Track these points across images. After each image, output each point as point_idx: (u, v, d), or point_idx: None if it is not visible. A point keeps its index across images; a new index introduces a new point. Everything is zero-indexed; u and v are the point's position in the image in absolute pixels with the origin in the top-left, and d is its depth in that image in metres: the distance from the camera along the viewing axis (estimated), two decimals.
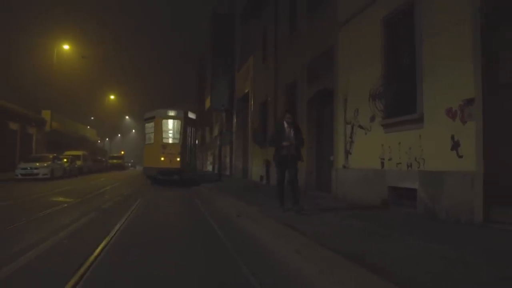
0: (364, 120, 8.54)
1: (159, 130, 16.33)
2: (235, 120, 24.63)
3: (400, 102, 7.39)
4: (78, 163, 27.55)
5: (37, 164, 20.19)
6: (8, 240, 5.05)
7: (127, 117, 78.46)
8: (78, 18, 76.54)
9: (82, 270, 3.63)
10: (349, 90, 9.28)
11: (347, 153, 9.32)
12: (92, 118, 66.46)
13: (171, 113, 16.43)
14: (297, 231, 5.05)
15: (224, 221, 6.83)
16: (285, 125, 7.08)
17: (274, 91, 15.73)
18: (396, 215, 6.66)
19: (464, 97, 5.74)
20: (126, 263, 4.01)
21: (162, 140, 16.37)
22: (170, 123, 16.35)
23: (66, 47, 29.61)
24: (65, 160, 24.43)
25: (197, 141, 30.52)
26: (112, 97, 54.45)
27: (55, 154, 23.00)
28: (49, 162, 20.86)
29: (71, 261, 3.91)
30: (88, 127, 57.26)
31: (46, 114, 32.90)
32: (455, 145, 5.91)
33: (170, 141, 16.35)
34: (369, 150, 8.34)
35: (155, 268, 3.86)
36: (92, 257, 4.08)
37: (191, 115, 17.35)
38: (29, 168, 19.82)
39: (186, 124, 16.45)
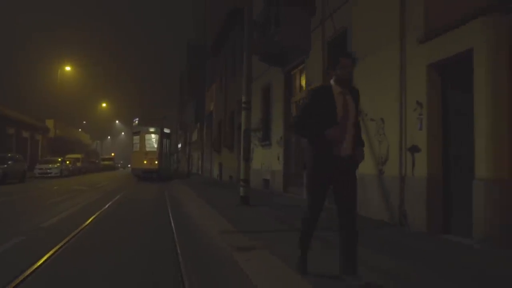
0: (256, 141, 15.09)
1: (142, 142, 22.86)
2: (205, 131, 31.12)
3: (265, 135, 13.98)
4: (78, 164, 33.70)
5: (50, 165, 26.41)
6: (61, 204, 11.45)
7: (117, 121, 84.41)
8: (76, 36, 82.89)
9: (106, 207, 10.08)
10: (253, 124, 15.82)
11: (252, 160, 15.85)
12: (85, 122, 72.30)
13: (151, 129, 23.04)
14: (192, 191, 11.52)
15: (173, 198, 13.31)
16: (336, 90, 3.32)
17: (224, 115, 22.25)
18: (260, 192, 13.16)
19: (280, 135, 12.32)
20: (124, 205, 10.49)
21: (145, 148, 22.89)
22: (150, 137, 22.91)
23: (68, 68, 35.91)
24: (68, 162, 30.59)
25: (179, 146, 36.41)
26: (104, 104, 60.47)
27: (62, 158, 29.19)
28: (58, 164, 27.07)
29: (100, 206, 10.32)
30: (80, 129, 63.09)
31: (49, 123, 39.04)
32: (279, 158, 12.49)
33: (151, 149, 22.85)
34: (258, 158, 14.89)
35: (137, 205, 10.36)
36: (108, 205, 10.55)
37: (166, 130, 23.94)
38: (43, 168, 26.01)
39: (162, 137, 23.05)
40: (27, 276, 3.78)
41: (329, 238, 4.83)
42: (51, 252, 4.67)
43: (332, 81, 3.38)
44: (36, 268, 4.02)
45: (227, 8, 20.30)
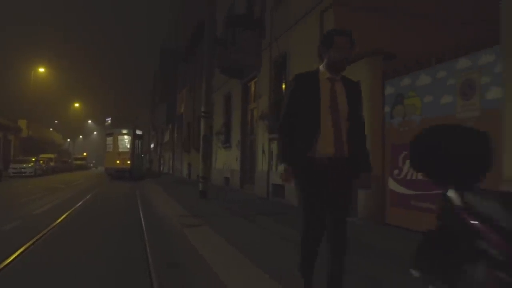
0: (218, 144, 16.81)
1: (115, 143, 24.22)
2: (176, 132, 32.57)
3: (227, 138, 15.74)
4: (51, 164, 34.52)
5: (24, 165, 27.33)
6: (43, 198, 12.86)
7: (89, 121, 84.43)
8: (50, 35, 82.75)
9: (82, 201, 11.60)
10: (217, 128, 17.54)
11: (216, 160, 17.58)
12: (56, 121, 72.14)
13: (124, 131, 24.44)
14: (161, 188, 13.14)
15: (143, 194, 14.86)
16: (323, 75, 2.80)
17: (193, 117, 23.85)
18: (221, 188, 14.87)
19: (238, 138, 14.09)
20: (98, 199, 12.03)
21: (118, 149, 24.26)
22: (123, 138, 24.30)
23: (41, 70, 36.62)
24: (41, 161, 31.43)
25: (152, 146, 37.55)
26: (76, 104, 60.80)
27: (36, 157, 30.05)
28: (32, 163, 27.99)
29: (78, 200, 11.82)
30: (51, 129, 63.09)
31: (22, 123, 39.56)
32: (237, 159, 14.25)
33: (123, 149, 24.23)
34: (221, 159, 16.62)
35: (109, 203, 11.92)
36: (85, 198, 12.06)
37: (139, 132, 25.40)
38: (18, 168, 26.91)
39: (134, 138, 24.50)
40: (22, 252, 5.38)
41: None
42: (46, 230, 6.27)
43: (321, 66, 2.78)
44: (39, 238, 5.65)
45: (198, 16, 21.90)
